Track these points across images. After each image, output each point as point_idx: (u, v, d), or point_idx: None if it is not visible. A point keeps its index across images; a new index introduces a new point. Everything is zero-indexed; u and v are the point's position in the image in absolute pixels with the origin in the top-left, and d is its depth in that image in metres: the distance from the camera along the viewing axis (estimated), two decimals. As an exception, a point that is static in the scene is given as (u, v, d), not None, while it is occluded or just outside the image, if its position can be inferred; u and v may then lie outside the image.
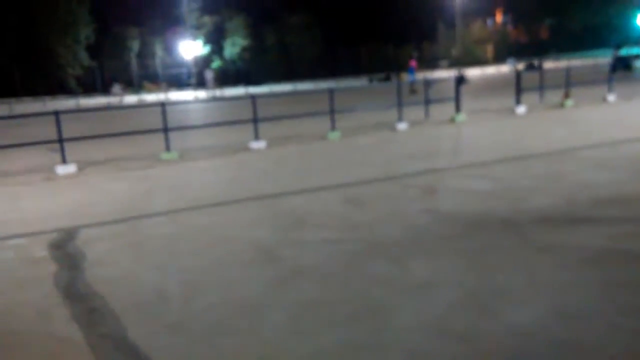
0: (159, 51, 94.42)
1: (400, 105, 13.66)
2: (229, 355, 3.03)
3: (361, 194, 6.68)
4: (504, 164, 7.94)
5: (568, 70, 16.38)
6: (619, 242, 4.36)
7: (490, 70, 64.07)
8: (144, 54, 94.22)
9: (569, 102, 15.67)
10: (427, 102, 14.85)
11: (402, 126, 13.28)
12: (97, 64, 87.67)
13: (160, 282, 4.19)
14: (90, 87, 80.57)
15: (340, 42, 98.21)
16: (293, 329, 3.28)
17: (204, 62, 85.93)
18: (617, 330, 3.02)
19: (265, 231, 5.36)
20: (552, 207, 5.51)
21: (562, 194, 5.95)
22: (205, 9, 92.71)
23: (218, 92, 54.69)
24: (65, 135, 10.49)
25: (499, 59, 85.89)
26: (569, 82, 16.14)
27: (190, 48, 66.99)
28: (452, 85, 15.21)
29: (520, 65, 52.24)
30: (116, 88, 60.11)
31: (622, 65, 29.25)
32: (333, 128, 12.76)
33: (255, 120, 11.96)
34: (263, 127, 12.31)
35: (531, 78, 18.09)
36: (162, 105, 11.52)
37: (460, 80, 15.06)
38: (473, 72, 56.60)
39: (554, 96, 17.00)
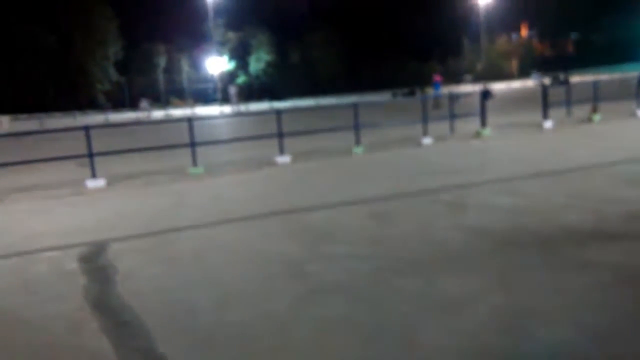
0: (185, 67, 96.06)
1: (425, 120, 13.63)
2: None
3: (387, 209, 6.66)
4: (532, 180, 7.85)
5: (595, 85, 16.16)
6: (653, 260, 4.27)
7: (516, 84, 63.54)
8: (171, 70, 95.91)
9: (597, 117, 15.45)
10: (452, 116, 14.78)
11: (427, 141, 13.24)
12: (125, 80, 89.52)
13: (190, 297, 4.23)
14: (118, 103, 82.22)
15: (364, 57, 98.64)
16: (321, 344, 3.28)
17: (229, 78, 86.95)
18: (654, 351, 2.94)
19: (292, 246, 5.38)
20: (582, 223, 5.43)
21: (592, 211, 5.86)
22: (230, 25, 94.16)
23: (243, 107, 55.22)
24: (94, 149, 10.70)
25: (524, 73, 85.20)
26: (596, 96, 15.93)
27: (216, 64, 67.96)
28: (477, 100, 15.13)
29: (547, 80, 51.69)
30: (144, 103, 61.09)
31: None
32: (357, 143, 12.78)
33: (280, 135, 12.05)
34: (288, 141, 12.39)
35: (558, 92, 17.90)
36: (189, 120, 11.69)
37: (486, 95, 14.97)
38: (498, 87, 56.21)
39: (582, 111, 16.78)
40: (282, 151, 12.02)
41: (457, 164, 9.97)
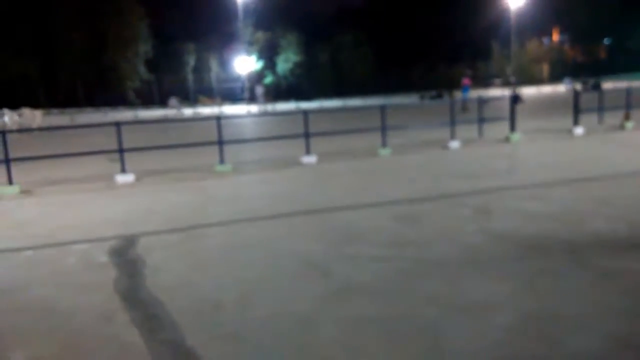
0: (214, 66, 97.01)
1: (452, 123, 13.54)
2: (283, 367, 3.07)
3: (413, 212, 6.65)
4: (561, 186, 7.74)
5: (629, 91, 15.85)
6: (685, 271, 4.19)
7: (546, 89, 62.63)
8: (200, 69, 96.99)
9: (630, 124, 15.14)
10: (481, 120, 14.65)
11: (454, 144, 13.15)
12: (155, 78, 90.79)
13: (217, 292, 4.29)
14: (148, 100, 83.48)
15: (391, 59, 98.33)
16: (344, 344, 3.30)
17: (256, 77, 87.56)
18: (685, 363, 2.90)
19: (318, 245, 5.41)
20: (612, 231, 5.34)
21: (622, 219, 5.76)
22: (260, 25, 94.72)
23: (269, 107, 55.53)
24: (124, 145, 10.89)
25: (555, 78, 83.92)
26: (629, 103, 15.62)
27: (244, 63, 68.48)
28: (506, 104, 14.97)
29: (579, 85, 50.83)
30: (173, 101, 62.01)
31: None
32: (384, 145, 12.76)
33: (306, 135, 12.10)
34: (314, 142, 12.43)
35: (589, 98, 17.59)
36: (218, 119, 11.82)
37: (516, 99, 14.81)
38: (528, 91, 55.49)
39: (613, 118, 16.47)
40: (308, 151, 12.07)
41: (485, 168, 9.89)
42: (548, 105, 31.48)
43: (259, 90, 66.41)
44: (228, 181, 10.13)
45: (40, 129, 16.80)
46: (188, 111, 57.88)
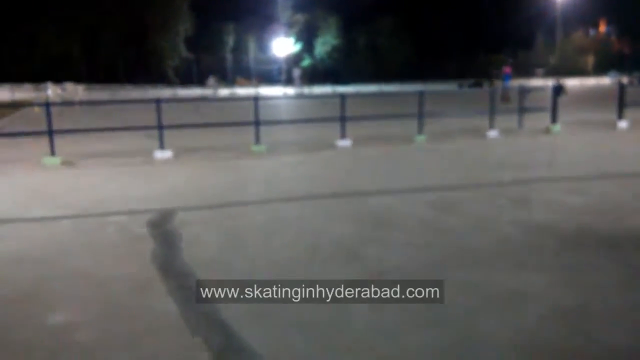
0: (252, 47, 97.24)
1: (492, 112, 13.30)
2: (318, 347, 3.09)
3: (447, 200, 6.58)
4: (602, 180, 7.55)
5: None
6: None
7: (590, 81, 60.88)
8: (238, 49, 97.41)
9: (678, 120, 14.62)
10: (521, 110, 14.35)
11: (493, 134, 12.93)
12: (193, 57, 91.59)
13: (249, 269, 4.34)
14: (186, 79, 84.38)
15: (431, 46, 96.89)
16: (377, 328, 3.30)
17: (294, 60, 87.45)
18: None
19: (350, 228, 5.41)
20: (655, 229, 5.19)
21: (667, 217, 5.59)
22: (298, 7, 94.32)
23: (306, 90, 55.49)
24: (162, 122, 11.05)
25: (600, 70, 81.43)
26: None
27: (282, 45, 68.48)
28: (547, 95, 14.62)
29: (625, 79, 49.21)
30: (211, 80, 62.49)
31: None
32: (420, 131, 12.63)
33: (342, 119, 12.06)
34: (349, 126, 12.38)
35: (635, 92, 17.02)
36: (255, 99, 11.88)
37: (558, 90, 14.44)
38: (571, 83, 54.00)
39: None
40: (343, 135, 12.04)
41: (524, 158, 9.70)
42: (592, 98, 30.61)
43: (296, 72, 66.31)
44: (262, 161, 10.20)
45: (82, 102, 17.22)
46: (225, 91, 58.33)
